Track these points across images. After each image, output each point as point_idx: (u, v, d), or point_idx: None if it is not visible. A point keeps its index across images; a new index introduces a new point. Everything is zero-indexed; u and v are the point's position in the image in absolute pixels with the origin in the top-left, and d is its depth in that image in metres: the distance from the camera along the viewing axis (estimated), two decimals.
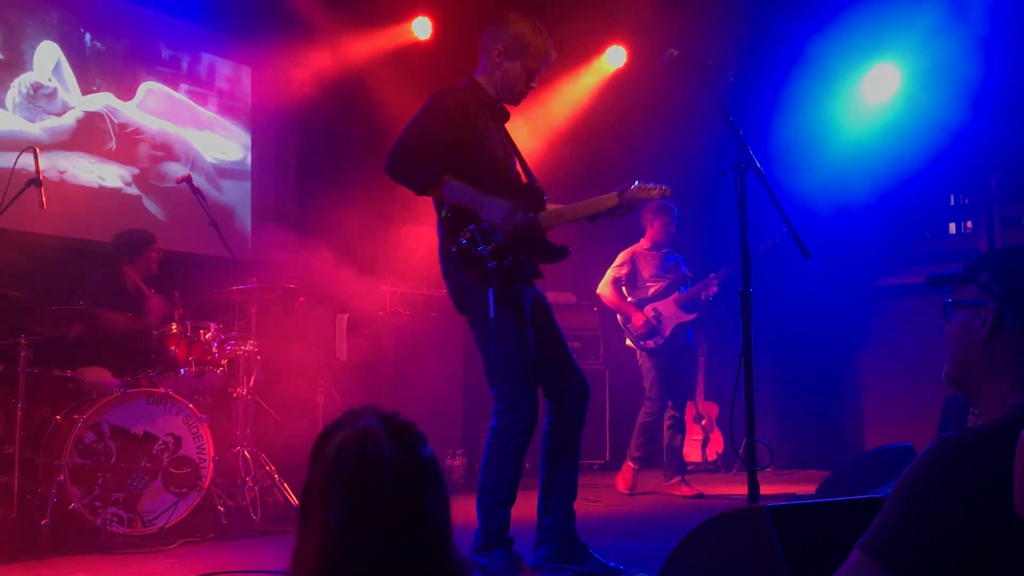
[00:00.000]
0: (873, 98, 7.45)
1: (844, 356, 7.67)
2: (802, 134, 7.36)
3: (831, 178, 7.33)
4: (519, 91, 3.78)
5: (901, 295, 7.30)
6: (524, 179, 3.82)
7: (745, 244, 3.23)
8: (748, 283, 3.21)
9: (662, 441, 6.38)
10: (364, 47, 7.16)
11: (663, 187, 3.78)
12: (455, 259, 3.55)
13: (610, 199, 3.71)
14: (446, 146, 3.54)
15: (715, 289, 6.32)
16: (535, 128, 7.45)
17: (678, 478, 6.25)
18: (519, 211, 3.54)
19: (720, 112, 3.34)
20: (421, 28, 7.28)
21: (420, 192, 3.56)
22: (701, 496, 6.12)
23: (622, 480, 6.35)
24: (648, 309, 6.35)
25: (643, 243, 6.51)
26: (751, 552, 1.96)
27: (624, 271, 6.47)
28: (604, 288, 6.49)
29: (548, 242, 3.72)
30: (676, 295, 6.35)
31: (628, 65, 7.75)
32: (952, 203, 7.65)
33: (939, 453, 1.47)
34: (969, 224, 7.52)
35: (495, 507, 3.60)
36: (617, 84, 7.82)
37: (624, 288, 6.46)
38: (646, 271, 6.46)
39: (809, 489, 6.00)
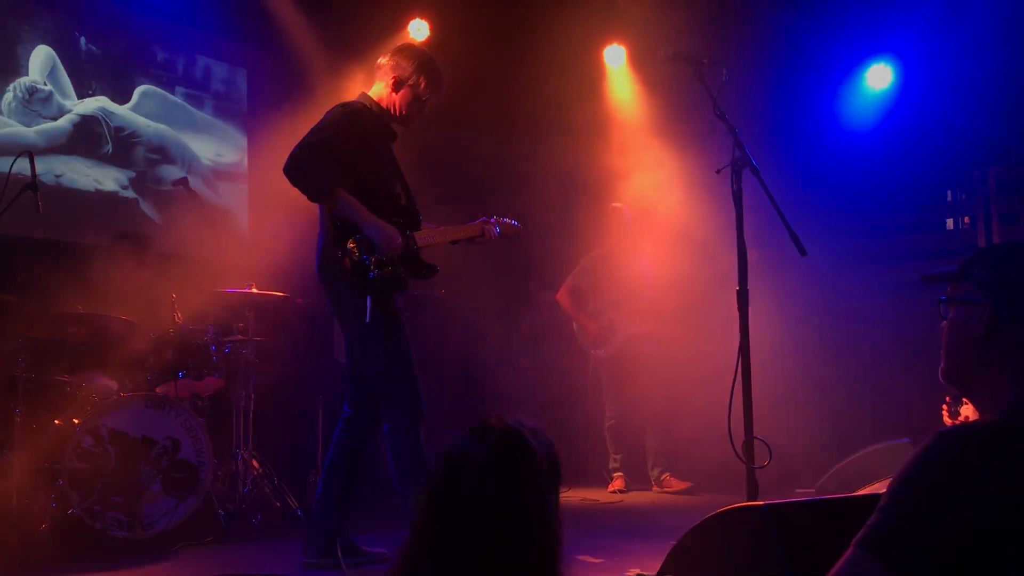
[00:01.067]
0: (870, 95, 7.45)
1: (839, 352, 7.66)
2: (799, 131, 7.36)
3: (827, 174, 7.33)
4: (410, 117, 4.03)
5: (897, 291, 7.28)
6: (404, 199, 4.03)
7: (741, 242, 3.23)
8: (745, 281, 3.21)
9: (636, 442, 6.45)
10: (360, 48, 7.14)
11: (517, 225, 4.28)
12: (339, 264, 3.72)
13: (473, 229, 4.12)
14: (342, 159, 3.74)
15: (671, 302, 6.36)
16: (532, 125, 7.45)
17: (666, 474, 6.27)
18: (399, 237, 3.77)
19: (716, 110, 3.34)
20: (417, 30, 7.26)
21: (313, 199, 3.76)
22: (691, 490, 6.14)
23: (613, 488, 6.37)
24: (603, 319, 6.40)
25: (606, 247, 6.57)
26: (750, 550, 1.95)
27: (583, 278, 6.53)
28: (562, 295, 6.56)
29: (421, 260, 3.97)
30: (631, 305, 6.38)
31: (627, 64, 7.74)
32: (949, 198, 7.64)
33: (936, 448, 1.46)
34: (966, 219, 7.51)
35: (339, 509, 3.83)
36: (616, 82, 7.80)
37: (582, 295, 6.52)
38: (605, 278, 6.49)
39: (808, 487, 6.01)
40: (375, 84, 4.03)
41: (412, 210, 4.01)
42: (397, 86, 3.96)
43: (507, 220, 4.26)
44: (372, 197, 3.77)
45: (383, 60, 4.03)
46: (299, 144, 3.72)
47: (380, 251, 3.70)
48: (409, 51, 4.06)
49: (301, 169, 3.68)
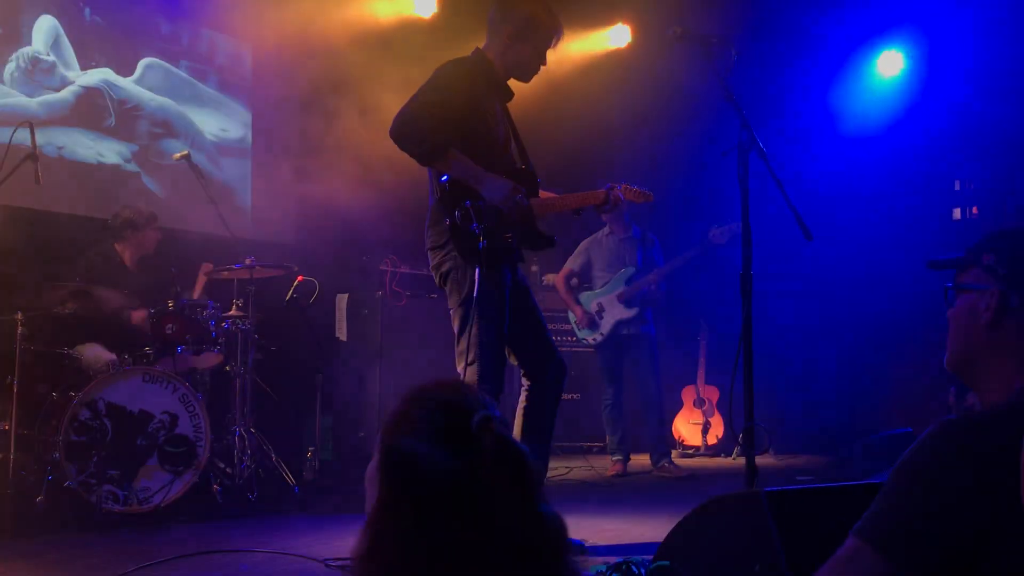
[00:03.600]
0: (879, 80, 7.40)
1: (843, 341, 7.63)
2: (807, 115, 7.31)
3: (835, 160, 7.29)
4: (530, 71, 3.77)
5: (903, 279, 7.24)
6: (520, 163, 3.79)
7: (746, 225, 3.19)
8: (749, 266, 3.17)
9: (637, 427, 6.46)
10: (366, 23, 7.06)
11: (647, 192, 3.96)
12: (446, 233, 3.52)
13: (597, 196, 3.78)
14: (453, 118, 3.50)
15: (656, 285, 6.34)
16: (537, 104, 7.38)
17: (664, 459, 6.27)
18: (519, 193, 3.54)
19: (723, 91, 3.29)
20: (423, 3, 7.16)
21: (424, 161, 3.53)
22: (692, 477, 6.14)
23: (612, 472, 6.35)
24: (593, 304, 6.40)
25: (604, 230, 6.54)
26: (747, 536, 1.93)
27: (578, 262, 6.53)
28: (559, 278, 6.57)
29: (537, 229, 3.72)
30: (620, 290, 6.35)
31: (632, 44, 7.66)
32: (957, 188, 7.58)
33: (939, 438, 1.43)
34: (974, 209, 7.46)
35: None
36: (620, 63, 7.73)
37: (577, 279, 6.51)
38: (599, 262, 6.47)
39: (809, 474, 6.00)
40: (487, 39, 3.72)
41: (530, 175, 3.73)
42: (509, 41, 3.65)
43: (635, 188, 3.93)
44: (481, 158, 3.52)
45: (493, 13, 3.70)
46: (407, 103, 3.47)
47: (494, 208, 3.47)
48: (514, 1, 3.70)
49: (410, 130, 3.42)
